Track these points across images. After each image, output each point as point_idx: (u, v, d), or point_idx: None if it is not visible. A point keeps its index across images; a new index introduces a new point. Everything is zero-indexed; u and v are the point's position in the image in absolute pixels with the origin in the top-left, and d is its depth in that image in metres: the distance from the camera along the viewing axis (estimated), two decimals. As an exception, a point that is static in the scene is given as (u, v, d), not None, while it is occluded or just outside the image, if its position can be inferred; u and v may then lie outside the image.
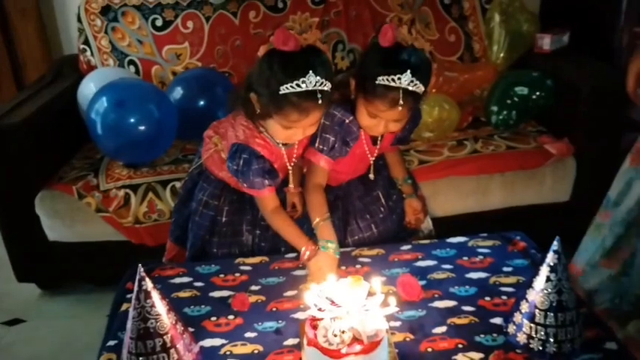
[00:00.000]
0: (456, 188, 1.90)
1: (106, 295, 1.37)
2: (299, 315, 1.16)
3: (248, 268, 1.34)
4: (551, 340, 1.01)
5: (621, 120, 1.92)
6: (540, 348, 1.02)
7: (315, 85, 1.19)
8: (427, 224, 1.68)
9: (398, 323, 1.12)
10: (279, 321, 1.15)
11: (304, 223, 1.46)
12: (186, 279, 1.31)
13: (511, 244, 1.38)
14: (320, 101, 1.22)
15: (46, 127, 1.94)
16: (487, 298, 1.19)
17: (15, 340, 1.84)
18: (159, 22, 2.22)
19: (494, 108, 2.05)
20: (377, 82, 1.26)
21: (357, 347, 0.94)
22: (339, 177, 1.56)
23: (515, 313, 1.06)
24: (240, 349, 1.07)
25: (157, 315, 0.98)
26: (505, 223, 1.58)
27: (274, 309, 1.19)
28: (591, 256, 1.43)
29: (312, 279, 1.27)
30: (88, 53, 2.24)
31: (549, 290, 1.01)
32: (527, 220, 1.83)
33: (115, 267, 1.40)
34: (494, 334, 1.08)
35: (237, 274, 1.31)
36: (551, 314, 1.01)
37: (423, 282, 1.24)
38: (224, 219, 1.50)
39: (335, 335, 0.94)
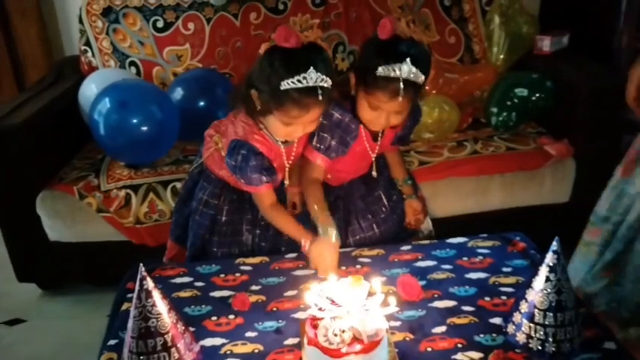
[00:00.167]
0: (455, 189, 1.90)
1: (107, 295, 1.37)
2: (299, 315, 1.16)
3: (248, 268, 1.34)
4: (551, 339, 1.01)
5: (620, 121, 1.93)
6: (539, 348, 1.02)
7: (315, 81, 1.20)
8: (427, 225, 1.69)
9: (398, 323, 1.12)
10: (280, 320, 1.15)
11: (304, 222, 1.46)
12: (186, 279, 1.31)
13: (511, 244, 1.38)
14: (320, 97, 1.22)
15: (47, 127, 1.95)
16: (487, 298, 1.19)
17: (15, 340, 1.85)
18: (160, 24, 2.23)
19: (494, 109, 2.05)
20: (377, 73, 1.27)
21: (357, 347, 0.94)
22: (341, 176, 1.57)
23: (514, 313, 1.06)
24: (241, 348, 1.08)
25: (157, 314, 0.98)
26: (505, 224, 1.58)
27: (275, 309, 1.19)
28: (589, 269, 1.44)
29: (314, 265, 1.29)
30: (89, 54, 2.25)
31: (548, 290, 1.01)
32: (527, 221, 1.83)
33: (116, 267, 1.40)
34: (494, 334, 1.08)
35: (238, 274, 1.31)
36: (551, 314, 1.01)
37: (423, 282, 1.24)
38: (224, 218, 1.51)
39: (335, 335, 0.95)
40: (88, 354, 1.26)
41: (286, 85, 1.20)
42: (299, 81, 1.20)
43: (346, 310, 0.96)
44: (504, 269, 1.29)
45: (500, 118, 2.04)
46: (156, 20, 2.23)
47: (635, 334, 1.35)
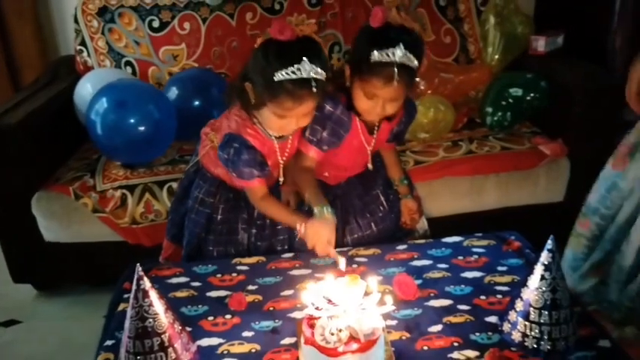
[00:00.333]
0: (451, 188, 1.91)
1: (103, 295, 1.37)
2: (296, 314, 1.16)
3: (245, 268, 1.34)
4: (546, 337, 1.02)
5: (615, 121, 1.94)
6: (535, 346, 1.03)
7: (309, 72, 1.21)
8: (422, 224, 1.69)
9: (394, 322, 1.13)
10: (276, 320, 1.15)
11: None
12: (183, 279, 1.31)
13: (506, 243, 1.39)
14: (314, 89, 1.23)
15: (43, 128, 1.95)
16: (482, 297, 1.20)
17: (11, 341, 1.84)
18: (156, 24, 2.23)
19: (489, 109, 2.06)
20: (371, 59, 1.28)
21: (354, 346, 0.94)
22: (339, 174, 1.57)
23: (510, 312, 1.07)
24: (238, 348, 1.08)
25: (154, 314, 0.98)
26: (500, 223, 1.59)
27: (271, 308, 1.19)
28: (578, 267, 1.46)
29: (311, 245, 1.30)
30: (85, 54, 2.24)
31: (544, 289, 1.02)
32: (522, 220, 1.83)
33: (112, 268, 1.40)
34: (490, 333, 1.09)
35: (234, 274, 1.32)
36: (546, 312, 1.02)
37: (419, 281, 1.25)
38: (220, 217, 1.51)
39: (332, 334, 0.95)
40: (84, 355, 1.26)
41: (280, 76, 1.21)
42: (293, 72, 1.20)
43: (343, 310, 0.96)
44: (500, 268, 1.30)
45: (495, 118, 2.05)
46: (151, 20, 2.22)
47: (631, 332, 1.37)
